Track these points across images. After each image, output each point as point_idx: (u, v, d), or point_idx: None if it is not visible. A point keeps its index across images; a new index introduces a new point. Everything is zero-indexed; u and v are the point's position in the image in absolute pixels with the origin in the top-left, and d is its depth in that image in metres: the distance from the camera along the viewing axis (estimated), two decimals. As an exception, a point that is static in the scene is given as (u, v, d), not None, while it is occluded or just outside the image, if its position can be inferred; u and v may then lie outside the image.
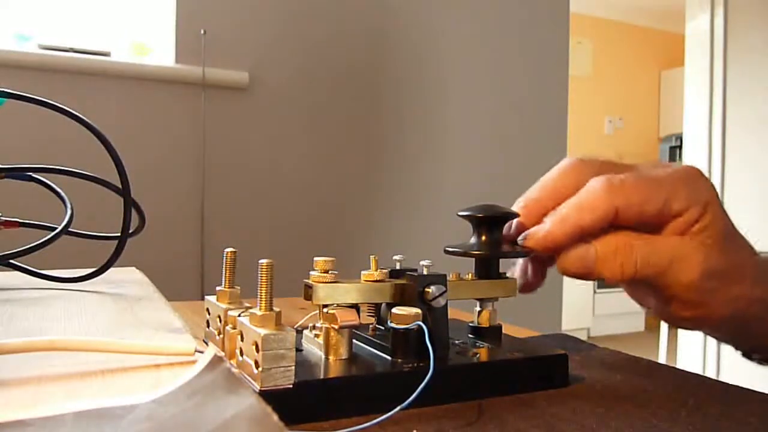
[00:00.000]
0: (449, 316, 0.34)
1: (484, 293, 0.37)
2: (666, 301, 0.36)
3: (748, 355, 0.42)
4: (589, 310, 4.10)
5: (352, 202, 1.67)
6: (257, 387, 0.26)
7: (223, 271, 0.32)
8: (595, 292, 4.10)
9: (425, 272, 0.33)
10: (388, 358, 0.32)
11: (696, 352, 2.41)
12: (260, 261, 0.27)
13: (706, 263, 0.35)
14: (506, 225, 0.38)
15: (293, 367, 0.26)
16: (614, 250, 0.35)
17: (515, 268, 0.41)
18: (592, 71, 4.69)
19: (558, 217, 0.35)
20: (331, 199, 1.64)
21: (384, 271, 0.34)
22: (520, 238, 0.37)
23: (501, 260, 0.38)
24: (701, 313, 0.36)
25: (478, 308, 0.38)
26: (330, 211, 1.64)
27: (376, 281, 0.33)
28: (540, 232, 0.35)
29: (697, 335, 2.36)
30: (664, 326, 2.72)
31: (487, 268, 0.37)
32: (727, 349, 0.45)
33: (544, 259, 0.40)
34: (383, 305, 0.35)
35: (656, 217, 0.35)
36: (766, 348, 0.41)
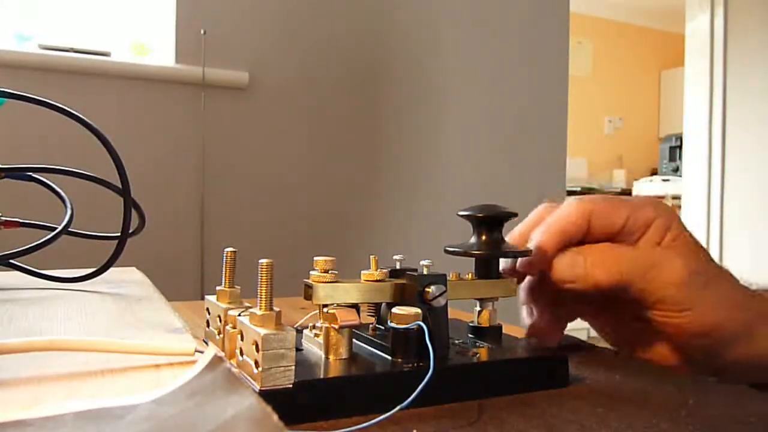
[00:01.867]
0: (449, 316, 0.34)
1: (484, 293, 0.37)
2: (654, 308, 0.37)
3: None
4: (589, 310, 4.10)
5: (352, 201, 1.67)
6: (257, 387, 0.26)
7: (223, 271, 0.32)
8: (595, 292, 4.09)
9: (425, 272, 0.33)
10: (388, 358, 0.32)
11: (696, 352, 2.40)
12: (260, 261, 0.27)
13: (687, 264, 0.36)
14: (502, 263, 0.39)
15: (293, 367, 0.26)
16: (602, 254, 0.37)
17: (524, 316, 0.42)
18: (592, 71, 4.69)
19: (540, 229, 0.38)
20: (331, 199, 1.64)
21: (384, 271, 0.34)
22: (518, 265, 0.39)
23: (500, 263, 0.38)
24: (691, 318, 0.36)
25: (478, 308, 0.38)
26: (330, 211, 1.64)
27: (376, 281, 0.33)
28: (531, 248, 0.38)
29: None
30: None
31: (487, 268, 0.38)
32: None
33: (547, 300, 0.41)
34: (383, 305, 0.35)
35: (626, 229, 0.38)
36: (748, 379, 0.41)
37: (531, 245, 0.38)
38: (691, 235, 0.39)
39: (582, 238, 0.38)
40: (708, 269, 0.37)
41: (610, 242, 0.38)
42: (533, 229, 0.39)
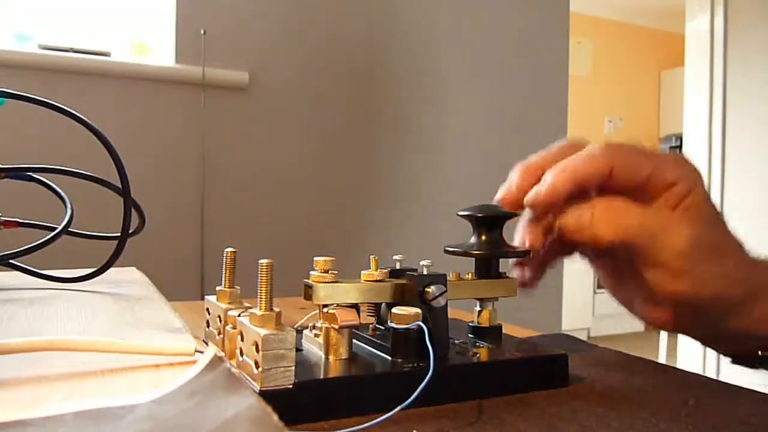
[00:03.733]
0: (449, 316, 0.34)
1: (484, 293, 0.37)
2: (652, 271, 0.36)
3: (737, 360, 0.42)
4: (589, 310, 4.10)
5: (352, 202, 1.67)
6: (257, 387, 0.26)
7: (223, 271, 0.32)
8: (595, 292, 4.10)
9: (425, 272, 0.33)
10: (388, 358, 0.32)
11: (696, 352, 2.40)
12: (260, 261, 0.27)
13: (694, 234, 0.36)
14: (506, 186, 0.38)
15: (293, 367, 0.26)
16: (609, 210, 0.36)
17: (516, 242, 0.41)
18: (592, 71, 4.69)
19: (558, 168, 0.37)
20: (331, 199, 1.64)
21: (384, 271, 0.34)
22: (526, 199, 0.37)
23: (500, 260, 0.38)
24: (688, 287, 0.36)
25: (478, 308, 0.38)
26: (330, 211, 1.64)
27: (376, 281, 0.33)
28: (543, 186, 0.36)
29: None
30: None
31: (487, 268, 0.38)
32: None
33: (547, 250, 0.40)
34: (383, 305, 0.35)
35: (647, 184, 0.36)
36: (746, 348, 0.41)
37: (544, 181, 0.36)
38: (709, 202, 0.37)
39: (600, 186, 0.37)
40: (716, 241, 0.37)
41: (625, 196, 0.37)
42: (549, 163, 0.38)
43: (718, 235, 0.37)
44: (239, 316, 0.29)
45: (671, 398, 0.32)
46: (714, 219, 0.37)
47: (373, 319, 0.36)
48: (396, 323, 0.31)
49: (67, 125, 0.45)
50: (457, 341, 0.36)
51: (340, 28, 1.65)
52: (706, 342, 0.43)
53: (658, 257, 0.36)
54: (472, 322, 0.38)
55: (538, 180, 0.37)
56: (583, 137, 0.40)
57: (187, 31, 1.45)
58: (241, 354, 0.28)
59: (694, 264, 0.36)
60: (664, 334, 2.69)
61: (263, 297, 0.27)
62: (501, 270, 0.38)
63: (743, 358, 0.42)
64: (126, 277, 0.48)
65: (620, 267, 0.41)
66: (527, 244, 0.39)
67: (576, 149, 0.38)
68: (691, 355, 2.42)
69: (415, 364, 0.31)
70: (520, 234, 0.40)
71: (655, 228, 0.36)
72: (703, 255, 0.36)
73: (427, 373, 0.28)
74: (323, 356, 0.31)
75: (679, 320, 0.39)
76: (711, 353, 2.34)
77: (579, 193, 0.37)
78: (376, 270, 0.33)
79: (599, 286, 4.08)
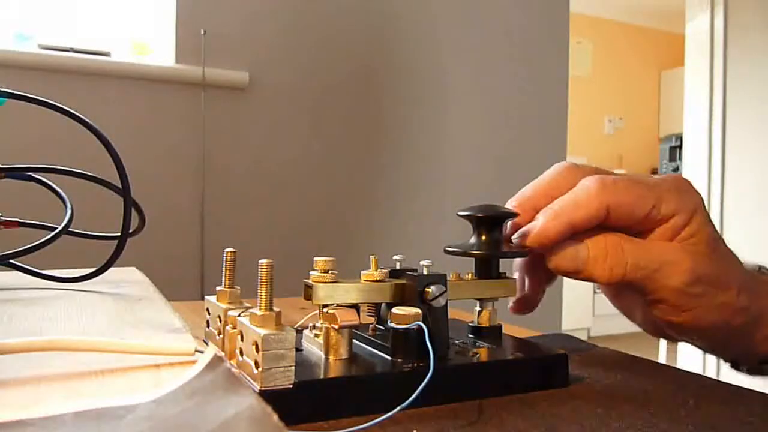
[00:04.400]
0: (449, 316, 0.34)
1: (484, 293, 0.37)
2: (652, 305, 0.37)
3: (736, 366, 0.42)
4: (589, 310, 4.10)
5: (352, 201, 1.67)
6: (257, 387, 0.26)
7: (223, 271, 0.32)
8: (595, 292, 4.10)
9: (425, 272, 0.33)
10: (388, 358, 0.32)
11: (696, 352, 2.40)
12: (260, 261, 0.27)
13: (694, 268, 0.35)
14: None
15: (293, 367, 0.26)
16: (605, 252, 0.35)
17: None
18: (592, 71, 4.69)
19: (551, 213, 0.35)
20: (331, 199, 1.64)
21: (384, 271, 0.34)
22: (514, 236, 0.37)
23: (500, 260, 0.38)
24: (687, 319, 0.36)
25: (478, 308, 0.38)
26: (330, 211, 1.64)
27: (376, 281, 0.33)
28: (534, 229, 0.36)
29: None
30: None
31: (487, 268, 0.37)
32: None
33: (540, 274, 0.40)
34: (383, 305, 0.35)
35: (645, 220, 0.36)
36: (748, 359, 0.41)
37: (536, 224, 0.36)
38: (708, 229, 0.36)
39: (591, 231, 0.36)
40: (716, 272, 0.36)
41: (621, 232, 0.36)
42: (543, 196, 0.37)
43: (717, 265, 0.36)
44: (239, 316, 0.29)
45: (671, 398, 0.32)
46: (713, 247, 0.36)
47: (373, 319, 0.36)
48: (396, 323, 0.31)
49: (67, 125, 0.45)
50: (457, 341, 0.36)
51: (340, 29, 1.65)
52: (706, 351, 0.43)
53: (656, 295, 0.36)
54: (472, 322, 0.38)
55: (532, 216, 0.37)
56: (578, 163, 0.39)
57: (187, 31, 1.45)
58: (241, 354, 0.28)
59: (693, 298, 0.35)
60: (664, 334, 2.69)
61: (263, 297, 0.27)
62: (501, 270, 0.38)
63: (743, 365, 0.42)
64: (126, 277, 0.48)
65: (620, 287, 0.41)
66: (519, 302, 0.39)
67: (571, 178, 0.37)
68: (691, 355, 2.42)
69: (415, 364, 0.31)
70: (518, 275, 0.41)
71: (652, 266, 0.35)
72: (702, 288, 0.35)
73: (427, 373, 0.28)
74: (323, 356, 0.31)
75: (680, 335, 0.39)
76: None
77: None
78: (376, 270, 0.33)
79: (599, 287, 4.08)
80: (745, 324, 0.37)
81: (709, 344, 0.41)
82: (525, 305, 0.41)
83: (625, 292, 0.41)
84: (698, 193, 0.37)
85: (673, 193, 0.36)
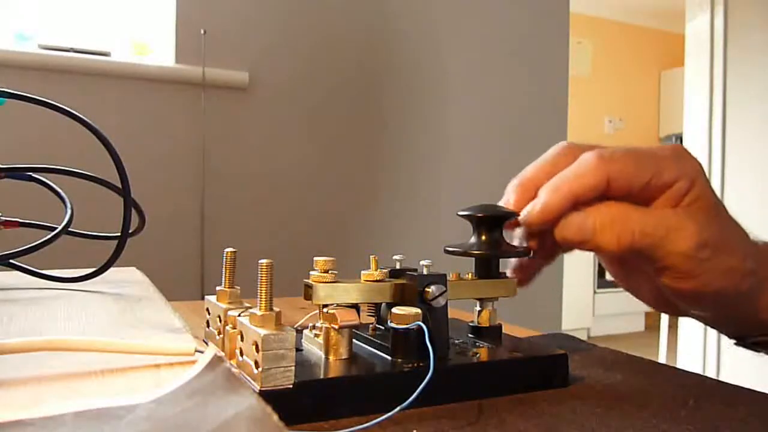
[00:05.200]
0: (449, 316, 0.34)
1: (484, 293, 0.37)
2: (660, 273, 0.36)
3: (741, 341, 0.42)
4: (589, 310, 4.10)
5: (351, 201, 1.67)
6: (257, 387, 0.26)
7: (223, 271, 0.32)
8: (595, 292, 4.10)
9: (425, 272, 0.33)
10: (388, 358, 0.32)
11: (696, 352, 2.40)
12: (260, 261, 0.27)
13: (700, 233, 0.35)
14: (502, 203, 0.38)
15: (293, 367, 0.26)
16: (611, 220, 0.35)
17: (511, 263, 0.41)
18: (592, 71, 4.69)
19: (551, 186, 0.36)
20: (331, 199, 1.64)
21: (384, 271, 0.34)
22: (520, 217, 0.37)
23: (500, 260, 0.38)
24: (696, 285, 0.36)
25: (478, 308, 0.38)
26: (330, 211, 1.64)
27: (376, 281, 0.33)
28: (537, 205, 0.36)
29: (697, 334, 2.36)
30: (664, 326, 2.72)
31: (487, 268, 0.37)
32: (728, 350, 0.45)
33: (543, 247, 0.40)
34: (383, 305, 0.35)
35: (647, 189, 0.36)
36: (751, 330, 0.41)
37: (538, 201, 0.36)
38: (710, 194, 0.37)
39: (596, 198, 0.36)
40: (721, 236, 0.36)
41: (624, 201, 0.36)
42: (545, 175, 0.37)
43: (722, 229, 0.37)
44: (239, 316, 0.29)
45: (671, 398, 0.32)
46: (717, 211, 0.37)
47: (373, 319, 0.36)
48: (396, 323, 0.31)
49: (67, 125, 0.45)
50: (457, 341, 0.36)
51: (340, 29, 1.65)
52: (710, 324, 0.43)
53: (664, 261, 0.35)
54: (472, 322, 0.38)
55: (534, 196, 0.37)
56: (578, 142, 0.39)
57: (187, 31, 1.45)
58: (241, 354, 0.28)
59: (701, 262, 0.35)
60: (664, 334, 2.69)
61: (263, 297, 0.27)
62: (501, 270, 0.38)
63: (746, 340, 0.42)
64: (126, 277, 0.48)
65: (625, 259, 0.41)
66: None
67: (571, 156, 0.37)
68: (691, 355, 2.42)
69: (415, 364, 0.31)
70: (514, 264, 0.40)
71: (659, 232, 0.35)
72: (710, 252, 0.35)
73: (427, 373, 0.28)
74: (323, 356, 0.31)
75: (688, 305, 0.39)
76: (711, 353, 2.34)
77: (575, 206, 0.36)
78: (376, 270, 0.33)
79: (599, 286, 4.09)
80: (752, 290, 0.37)
81: (715, 314, 0.41)
82: (522, 273, 0.40)
83: (631, 265, 0.41)
84: (697, 159, 0.38)
85: (673, 160, 0.36)
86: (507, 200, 0.38)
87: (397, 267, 0.35)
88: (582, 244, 0.36)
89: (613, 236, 0.35)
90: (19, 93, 0.38)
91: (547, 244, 0.39)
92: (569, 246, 0.37)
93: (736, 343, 0.43)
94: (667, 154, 0.36)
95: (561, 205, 0.35)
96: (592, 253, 0.43)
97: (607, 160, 0.35)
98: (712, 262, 0.35)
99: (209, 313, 0.33)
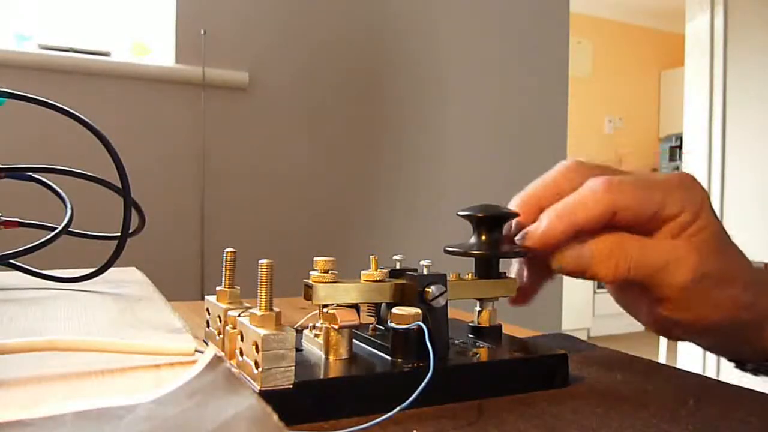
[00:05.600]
0: (449, 316, 0.34)
1: (484, 293, 0.37)
2: (658, 303, 0.36)
3: (740, 365, 0.42)
4: (589, 310, 4.10)
5: (352, 202, 1.67)
6: (257, 387, 0.26)
7: (223, 271, 0.32)
8: (595, 292, 4.10)
9: (425, 272, 0.33)
10: (388, 358, 0.32)
11: (696, 352, 2.40)
12: (260, 261, 0.27)
13: (699, 265, 0.35)
14: (506, 224, 0.38)
15: (293, 367, 0.26)
16: (609, 250, 0.35)
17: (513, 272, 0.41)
18: (592, 71, 4.69)
19: (555, 213, 0.35)
20: (331, 199, 1.64)
21: (384, 271, 0.34)
22: (518, 237, 0.37)
23: (501, 260, 0.38)
24: (693, 316, 0.36)
25: (478, 308, 0.38)
26: (330, 211, 1.64)
27: (376, 281, 0.33)
28: (538, 230, 0.36)
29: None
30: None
31: (487, 268, 0.37)
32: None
33: (541, 267, 0.40)
34: (383, 305, 0.35)
35: (651, 219, 0.35)
36: (752, 357, 0.41)
37: (540, 225, 0.35)
38: (714, 225, 0.36)
39: (596, 231, 0.36)
40: (721, 267, 0.36)
41: (625, 232, 0.35)
42: (550, 194, 0.37)
43: (724, 260, 0.36)
44: (239, 316, 0.29)
45: (671, 398, 0.32)
46: (720, 243, 0.36)
47: (373, 319, 0.36)
48: (396, 323, 0.31)
49: (67, 125, 0.45)
50: (457, 341, 0.36)
51: (340, 29, 1.65)
52: (710, 350, 0.43)
53: (661, 292, 0.35)
54: (472, 322, 0.38)
55: (536, 215, 0.36)
56: (582, 160, 0.39)
57: (187, 31, 1.45)
58: (241, 354, 0.28)
59: (700, 294, 0.35)
60: (664, 334, 2.69)
61: (263, 297, 0.27)
62: (501, 270, 0.38)
63: (746, 366, 0.42)
64: (126, 277, 0.48)
65: (625, 285, 0.41)
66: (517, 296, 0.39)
67: (578, 178, 0.37)
68: (691, 355, 2.42)
69: (415, 364, 0.31)
70: (515, 268, 0.40)
71: (657, 264, 0.35)
72: (710, 283, 0.35)
73: (427, 373, 0.28)
74: (323, 356, 0.31)
75: (686, 333, 0.39)
76: (711, 353, 2.34)
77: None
78: (376, 270, 0.33)
79: (599, 286, 4.09)
80: (752, 321, 0.37)
81: (715, 343, 0.41)
82: (521, 297, 0.40)
83: (631, 290, 0.41)
84: (703, 188, 0.37)
85: (679, 191, 0.36)
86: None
87: (397, 267, 0.35)
88: (579, 275, 0.36)
89: (610, 267, 0.35)
90: (19, 93, 0.38)
91: (546, 265, 0.39)
92: (566, 274, 0.37)
93: (736, 366, 0.43)
94: (674, 184, 0.36)
95: (563, 234, 0.35)
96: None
97: (615, 190, 0.35)
98: (711, 294, 0.35)
99: (209, 313, 0.33)
